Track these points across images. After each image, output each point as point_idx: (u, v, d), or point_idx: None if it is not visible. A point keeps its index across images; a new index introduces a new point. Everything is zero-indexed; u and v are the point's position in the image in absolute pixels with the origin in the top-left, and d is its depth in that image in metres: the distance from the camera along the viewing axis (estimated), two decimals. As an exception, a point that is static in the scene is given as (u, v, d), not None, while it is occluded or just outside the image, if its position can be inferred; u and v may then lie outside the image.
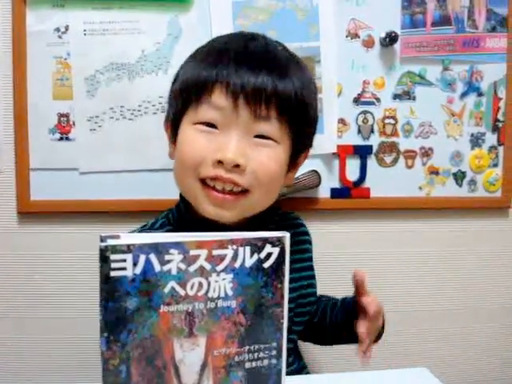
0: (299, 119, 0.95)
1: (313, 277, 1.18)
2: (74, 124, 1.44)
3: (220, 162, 0.89)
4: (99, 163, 1.45)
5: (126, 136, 1.45)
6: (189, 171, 0.93)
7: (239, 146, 0.89)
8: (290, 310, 1.00)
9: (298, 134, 0.97)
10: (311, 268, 1.18)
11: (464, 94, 1.59)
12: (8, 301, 1.49)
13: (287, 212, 1.22)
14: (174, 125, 1.00)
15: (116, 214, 1.46)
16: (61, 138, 1.44)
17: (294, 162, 1.02)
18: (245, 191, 0.92)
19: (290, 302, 1.03)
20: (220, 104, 0.90)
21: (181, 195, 1.09)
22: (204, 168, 0.91)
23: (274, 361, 0.58)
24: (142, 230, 1.12)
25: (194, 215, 1.01)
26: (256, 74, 0.89)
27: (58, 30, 1.42)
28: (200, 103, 0.92)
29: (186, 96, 0.95)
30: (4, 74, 1.43)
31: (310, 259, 1.19)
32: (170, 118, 1.03)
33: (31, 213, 1.46)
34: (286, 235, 0.56)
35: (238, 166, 0.89)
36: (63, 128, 1.44)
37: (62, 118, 1.44)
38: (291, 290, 1.05)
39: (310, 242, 1.20)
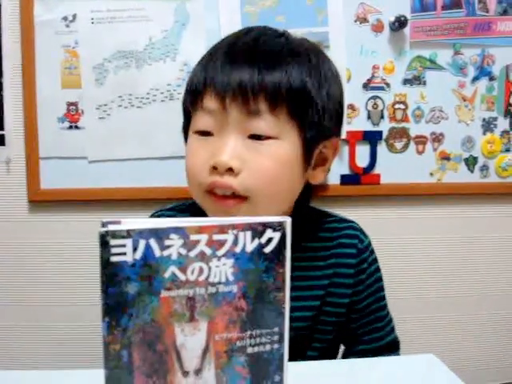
0: (302, 109, 0.87)
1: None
2: (82, 112, 1.45)
3: (215, 168, 0.85)
4: (108, 152, 1.46)
5: (134, 124, 1.45)
6: (193, 183, 0.90)
7: (233, 149, 0.85)
8: (310, 318, 0.97)
9: (305, 124, 0.88)
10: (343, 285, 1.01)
11: (475, 79, 1.57)
12: (19, 289, 1.51)
13: (340, 219, 1.06)
14: (185, 135, 0.97)
15: (125, 201, 1.46)
16: (70, 127, 1.45)
17: (311, 155, 0.92)
18: (245, 198, 0.86)
19: (310, 309, 0.97)
20: (210, 107, 0.87)
21: None
22: (203, 177, 0.87)
23: (276, 346, 0.58)
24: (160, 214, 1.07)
25: None
26: (240, 69, 0.85)
27: (65, 18, 1.42)
28: (195, 110, 0.90)
29: (186, 105, 0.94)
30: (13, 63, 1.44)
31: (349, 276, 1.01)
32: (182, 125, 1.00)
33: (41, 201, 1.47)
34: (287, 220, 0.56)
35: (231, 169, 0.84)
36: (72, 116, 1.45)
37: (70, 107, 1.44)
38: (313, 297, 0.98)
39: (354, 256, 1.02)
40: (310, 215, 1.03)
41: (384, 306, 1.05)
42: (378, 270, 1.05)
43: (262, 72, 0.84)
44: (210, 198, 0.88)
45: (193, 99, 0.90)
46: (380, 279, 1.04)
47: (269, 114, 0.85)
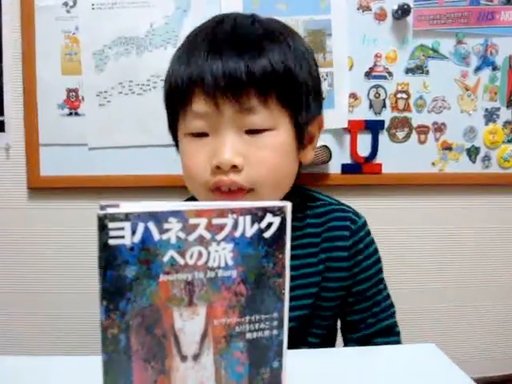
0: (291, 94, 0.87)
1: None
2: (82, 99, 1.44)
3: (218, 168, 0.85)
4: (108, 139, 1.45)
5: (134, 111, 1.45)
6: (195, 184, 0.90)
7: (233, 146, 0.85)
8: (309, 306, 0.96)
9: (296, 109, 0.89)
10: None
11: (478, 68, 1.56)
12: (18, 275, 1.50)
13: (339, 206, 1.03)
14: (172, 132, 0.95)
15: (125, 189, 1.46)
16: (70, 114, 1.44)
17: (303, 137, 0.93)
18: (251, 190, 0.87)
19: (309, 297, 0.96)
20: (201, 111, 0.85)
21: None
22: (207, 177, 0.86)
23: (275, 331, 0.58)
24: None
25: None
26: (226, 64, 0.83)
27: (66, 4, 1.41)
28: (184, 113, 0.88)
29: (171, 105, 0.92)
30: (13, 49, 1.43)
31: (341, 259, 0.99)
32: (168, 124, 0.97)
33: (41, 188, 1.47)
34: (287, 204, 0.55)
35: (235, 166, 0.85)
36: (72, 103, 1.44)
37: (70, 93, 1.43)
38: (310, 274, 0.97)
39: (345, 239, 1.00)
40: (296, 201, 0.93)
41: (382, 289, 1.02)
42: (376, 251, 1.02)
43: (248, 63, 0.83)
44: (216, 194, 0.87)
45: (179, 100, 0.88)
46: (378, 261, 1.02)
47: (262, 107, 0.85)
